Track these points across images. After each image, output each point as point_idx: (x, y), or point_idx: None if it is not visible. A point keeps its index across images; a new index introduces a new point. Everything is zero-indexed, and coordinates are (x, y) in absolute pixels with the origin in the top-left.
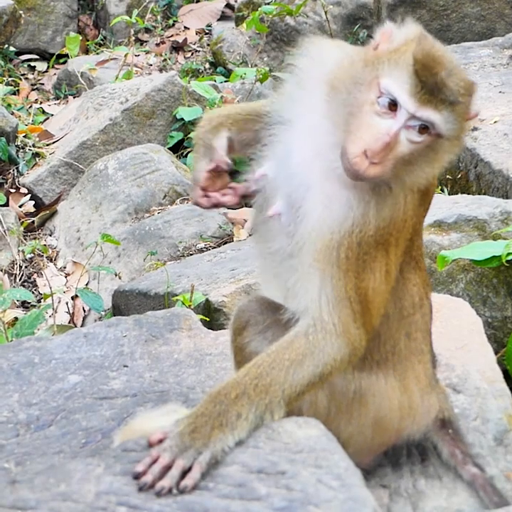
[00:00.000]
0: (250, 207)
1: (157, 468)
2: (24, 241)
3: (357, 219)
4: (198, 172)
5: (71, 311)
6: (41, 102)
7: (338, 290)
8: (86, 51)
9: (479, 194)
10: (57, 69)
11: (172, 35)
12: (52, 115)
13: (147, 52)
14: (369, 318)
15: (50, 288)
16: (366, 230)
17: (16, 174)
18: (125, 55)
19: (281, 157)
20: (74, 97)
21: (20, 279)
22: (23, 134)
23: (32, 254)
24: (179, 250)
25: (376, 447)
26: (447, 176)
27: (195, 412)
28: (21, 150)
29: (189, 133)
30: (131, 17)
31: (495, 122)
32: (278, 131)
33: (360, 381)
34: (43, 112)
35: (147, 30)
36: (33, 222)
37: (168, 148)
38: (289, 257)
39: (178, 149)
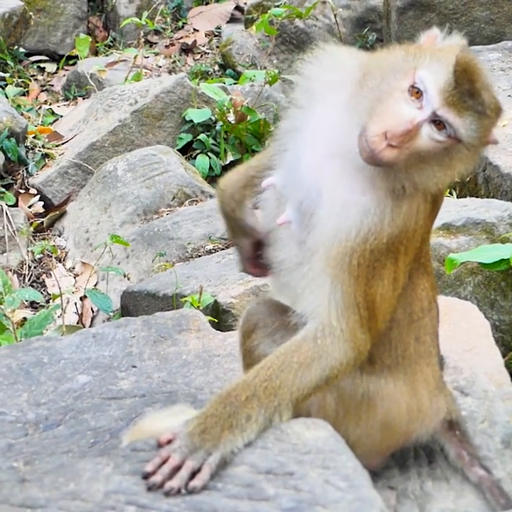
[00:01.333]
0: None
1: (167, 468)
2: (33, 241)
3: (372, 226)
4: (243, 249)
5: (80, 312)
6: (51, 103)
7: (348, 296)
8: (95, 53)
9: (488, 197)
10: (66, 70)
11: (181, 37)
12: (61, 116)
13: (156, 54)
14: (374, 324)
15: (59, 288)
16: (380, 237)
17: (25, 175)
18: (134, 57)
19: (290, 164)
20: (83, 99)
21: (29, 280)
22: (33, 135)
23: (41, 255)
24: (188, 251)
25: (384, 449)
26: (456, 179)
27: (204, 412)
28: (31, 151)
29: (198, 135)
30: (140, 19)
31: (503, 126)
32: (286, 139)
33: (369, 384)
34: (53, 113)
35: (157, 32)
36: (42, 222)
37: (177, 150)
38: (298, 265)
39: (187, 151)
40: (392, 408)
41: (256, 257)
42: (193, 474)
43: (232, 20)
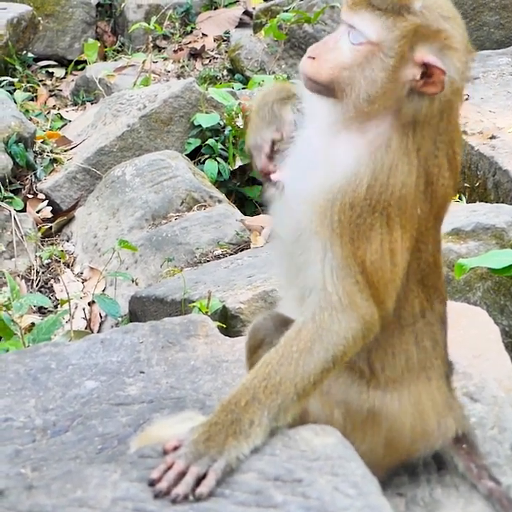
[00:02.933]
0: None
1: (172, 474)
2: (41, 247)
3: (349, 177)
4: (263, 140)
5: (88, 317)
6: (59, 108)
7: (338, 257)
8: (104, 57)
9: (497, 202)
10: (75, 75)
11: (190, 42)
12: (70, 121)
13: (165, 59)
14: (376, 292)
15: (68, 294)
16: (358, 189)
17: (33, 180)
18: (143, 62)
19: (295, 155)
20: (92, 104)
21: (37, 285)
22: (41, 140)
23: (49, 260)
24: (196, 257)
25: (386, 465)
26: (465, 184)
27: (208, 420)
28: (39, 156)
29: (207, 139)
30: (149, 24)
31: (510, 132)
32: (296, 136)
33: (374, 400)
34: (61, 118)
35: (165, 37)
36: (51, 227)
37: (186, 155)
38: (297, 240)
39: (196, 156)
40: (395, 427)
41: (272, 154)
42: (199, 481)
43: (241, 25)
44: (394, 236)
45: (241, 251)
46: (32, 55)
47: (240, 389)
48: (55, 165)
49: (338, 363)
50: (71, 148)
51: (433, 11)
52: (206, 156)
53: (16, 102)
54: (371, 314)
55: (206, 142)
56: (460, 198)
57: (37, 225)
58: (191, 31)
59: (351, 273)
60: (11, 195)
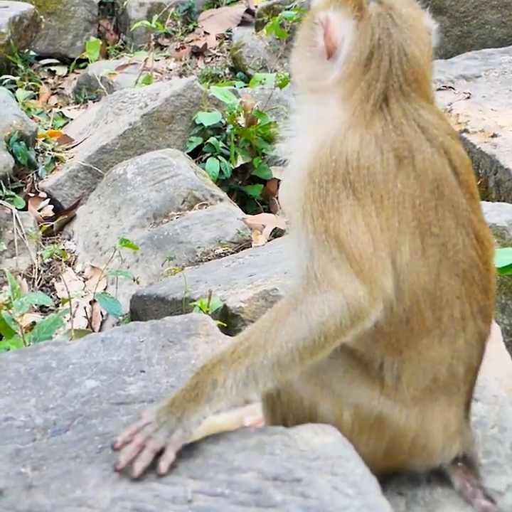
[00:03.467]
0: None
1: (130, 449)
2: (43, 245)
3: (303, 155)
4: None
5: (89, 316)
6: (61, 107)
7: (311, 233)
8: (106, 56)
9: (499, 201)
10: (77, 73)
11: (192, 40)
12: (71, 119)
13: (167, 57)
14: (360, 267)
15: (68, 292)
16: (311, 162)
17: (35, 178)
18: (145, 60)
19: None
20: (94, 102)
21: (38, 284)
22: (43, 139)
23: (50, 259)
24: (197, 255)
25: (384, 468)
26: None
27: (177, 389)
28: (41, 154)
29: (208, 138)
30: (151, 22)
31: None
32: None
33: (383, 408)
34: (63, 116)
35: (167, 35)
36: (52, 226)
37: (188, 154)
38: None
39: (197, 154)
40: (397, 438)
41: None
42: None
43: (243, 23)
44: (367, 209)
45: (242, 250)
46: (34, 54)
47: (210, 356)
48: (56, 163)
49: (320, 338)
50: (73, 147)
51: None
52: (208, 155)
53: (17, 101)
54: (354, 290)
55: (208, 141)
56: None
57: (38, 224)
58: (193, 29)
59: (326, 249)
60: (13, 193)
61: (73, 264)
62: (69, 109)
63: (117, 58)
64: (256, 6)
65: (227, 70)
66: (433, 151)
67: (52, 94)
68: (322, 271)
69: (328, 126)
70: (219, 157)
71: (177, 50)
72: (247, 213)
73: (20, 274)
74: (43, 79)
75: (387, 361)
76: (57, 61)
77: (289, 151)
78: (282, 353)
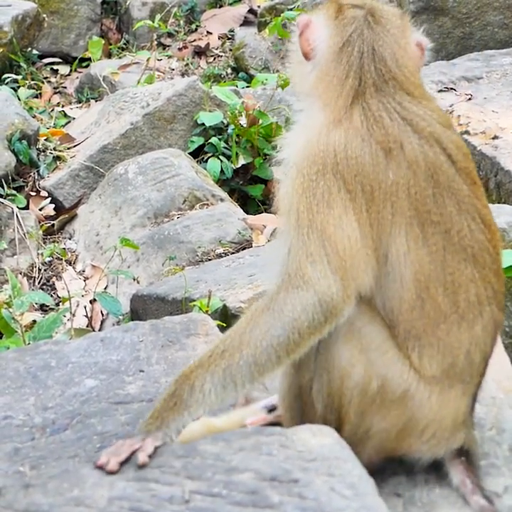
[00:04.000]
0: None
1: (110, 450)
2: (43, 244)
3: (296, 151)
4: None
5: (89, 315)
6: (63, 106)
7: (294, 230)
8: (109, 55)
9: (499, 203)
10: (79, 72)
11: (194, 40)
12: (74, 119)
13: (169, 57)
14: (342, 264)
15: (68, 291)
16: (303, 156)
17: (36, 177)
18: (147, 60)
19: None
20: (96, 101)
21: (39, 282)
22: (45, 137)
23: (51, 258)
24: (198, 255)
25: (390, 451)
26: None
27: (157, 400)
28: (42, 153)
29: (210, 138)
30: (154, 21)
31: None
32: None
33: (411, 384)
34: (65, 115)
35: (170, 35)
36: (53, 225)
37: (189, 153)
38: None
39: (199, 154)
40: (415, 417)
41: None
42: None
43: (246, 23)
44: (357, 203)
45: (243, 250)
46: (36, 52)
47: (189, 365)
48: (58, 162)
49: (295, 335)
50: (74, 146)
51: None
52: (209, 155)
53: (19, 99)
54: (327, 287)
55: (209, 141)
56: None
57: (39, 223)
58: (196, 29)
59: (304, 245)
60: (14, 192)
61: (74, 263)
62: (71, 108)
63: (120, 57)
64: (258, 6)
65: (229, 70)
66: (421, 142)
67: (55, 93)
68: (296, 267)
69: (313, 124)
70: (220, 157)
71: (179, 49)
72: (248, 213)
73: (20, 273)
74: (46, 78)
75: (409, 344)
76: (60, 60)
77: (283, 153)
78: (257, 352)
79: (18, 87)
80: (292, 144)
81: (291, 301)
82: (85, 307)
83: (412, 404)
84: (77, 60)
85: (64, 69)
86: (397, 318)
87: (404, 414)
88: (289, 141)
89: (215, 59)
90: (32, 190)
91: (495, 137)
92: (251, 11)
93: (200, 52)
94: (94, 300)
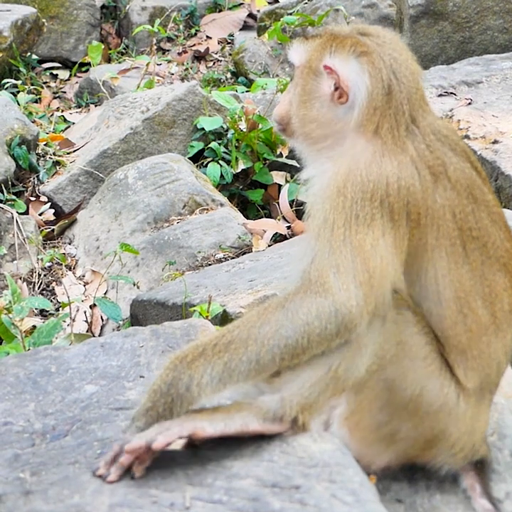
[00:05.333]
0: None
1: (107, 456)
2: (43, 249)
3: (332, 176)
4: None
5: (89, 320)
6: (63, 110)
7: (324, 241)
8: (108, 60)
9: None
10: (79, 77)
11: (194, 45)
12: (73, 123)
13: (169, 62)
14: (369, 280)
15: (68, 297)
16: (346, 180)
17: (36, 182)
18: (147, 64)
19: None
20: (95, 106)
21: (38, 288)
22: (44, 142)
23: (51, 263)
24: (198, 260)
25: (413, 458)
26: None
27: (152, 383)
28: (42, 158)
29: (209, 143)
30: (153, 26)
31: None
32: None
33: (450, 398)
34: (65, 120)
35: (169, 40)
36: (53, 230)
37: (189, 158)
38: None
39: (199, 159)
40: (448, 431)
41: None
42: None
43: (245, 27)
44: (400, 232)
45: (243, 255)
46: (36, 57)
47: (192, 347)
48: (57, 167)
49: (304, 340)
50: (74, 151)
51: (345, 29)
52: (209, 159)
53: (19, 104)
54: (347, 298)
55: (209, 145)
56: None
57: (39, 228)
58: (195, 34)
59: (332, 256)
60: (14, 197)
61: (74, 269)
62: (70, 113)
63: (119, 62)
64: (258, 11)
65: (228, 75)
66: (458, 159)
67: (54, 98)
68: (319, 274)
69: (356, 155)
70: (220, 162)
71: (179, 54)
72: (247, 218)
73: (20, 278)
74: (45, 82)
75: (456, 359)
76: (60, 65)
77: (316, 181)
78: (263, 350)
79: (18, 92)
80: (325, 172)
81: (307, 304)
82: (85, 312)
83: (447, 419)
84: (76, 65)
85: (63, 74)
86: (441, 335)
87: (438, 426)
88: (322, 170)
89: (214, 63)
90: (32, 196)
91: (495, 142)
92: (250, 15)
93: (199, 57)
94: (94, 305)
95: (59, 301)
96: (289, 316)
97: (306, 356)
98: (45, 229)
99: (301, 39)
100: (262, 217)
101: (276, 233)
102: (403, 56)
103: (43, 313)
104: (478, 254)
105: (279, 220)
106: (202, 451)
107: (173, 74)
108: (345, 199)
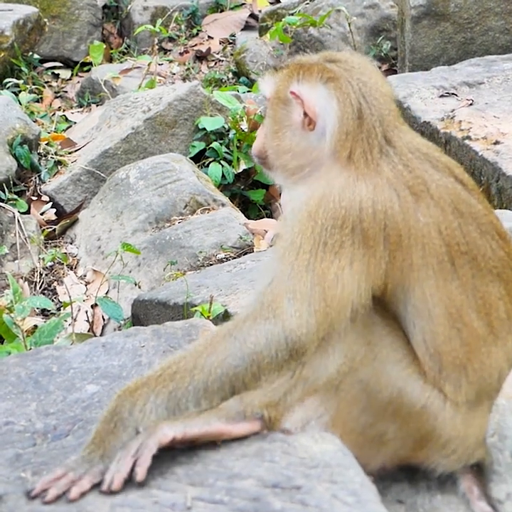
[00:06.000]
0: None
1: (48, 478)
2: (45, 249)
3: (305, 199)
4: None
5: (90, 320)
6: (64, 110)
7: (286, 265)
8: (110, 59)
9: (501, 208)
10: (80, 77)
11: (196, 45)
12: (75, 123)
13: (171, 62)
14: (325, 309)
15: (70, 296)
16: (318, 204)
17: (37, 182)
18: (148, 64)
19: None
20: (97, 105)
21: (40, 287)
22: (46, 142)
23: (52, 262)
24: (199, 260)
25: (405, 459)
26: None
27: (100, 416)
28: (43, 158)
29: (211, 143)
30: (155, 26)
31: None
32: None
33: (432, 403)
34: (66, 119)
35: (171, 39)
36: (54, 230)
37: (190, 158)
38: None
39: (200, 159)
40: (436, 433)
41: None
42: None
43: (247, 27)
44: (377, 257)
45: (244, 255)
46: (38, 57)
47: (136, 380)
48: (59, 167)
49: (256, 370)
50: (75, 151)
51: (313, 57)
52: (210, 160)
53: (20, 104)
54: (297, 326)
55: (210, 145)
56: None
57: (40, 227)
58: (197, 34)
59: (290, 281)
60: (15, 197)
61: (75, 268)
62: (72, 113)
63: (121, 62)
64: (260, 11)
65: (230, 75)
66: (441, 175)
67: (56, 97)
68: (273, 298)
69: (330, 179)
70: (221, 162)
71: (180, 54)
72: (249, 218)
73: (22, 278)
74: (47, 82)
75: (453, 375)
76: (61, 64)
77: (291, 204)
78: (210, 379)
79: (20, 91)
80: (303, 196)
81: (256, 332)
82: (86, 312)
83: (434, 422)
84: (78, 65)
85: (65, 73)
86: (435, 351)
87: (424, 428)
88: (297, 193)
89: (216, 64)
90: (33, 195)
91: (496, 142)
92: (252, 15)
93: (201, 57)
94: (96, 305)
95: (60, 300)
96: (237, 345)
97: (261, 381)
98: (47, 228)
99: (271, 71)
100: (263, 218)
101: (278, 233)
102: (373, 79)
103: (44, 313)
104: (468, 269)
105: (280, 220)
106: (203, 452)
107: (174, 74)
108: (315, 225)
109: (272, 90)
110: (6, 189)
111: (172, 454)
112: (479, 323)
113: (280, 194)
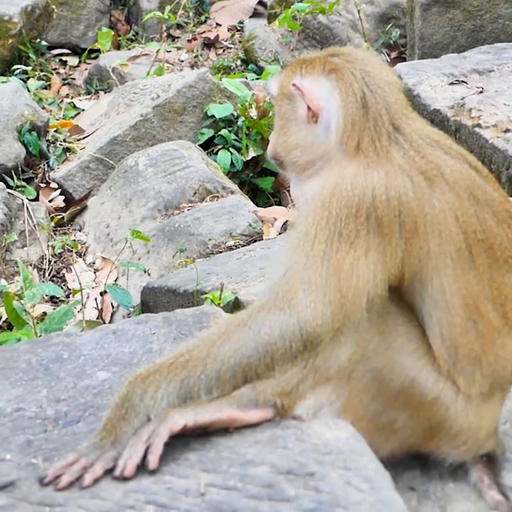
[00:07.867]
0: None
1: (59, 465)
2: (54, 236)
3: (318, 189)
4: None
5: (100, 307)
6: (72, 97)
7: (301, 256)
8: (118, 46)
9: (511, 196)
10: (88, 64)
11: (204, 32)
12: (83, 110)
13: (179, 49)
14: (340, 300)
15: (80, 283)
16: (331, 194)
17: (46, 169)
18: (157, 51)
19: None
20: (105, 93)
21: (49, 274)
22: (54, 129)
23: (61, 250)
24: (208, 248)
25: (415, 447)
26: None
27: (111, 402)
28: (52, 145)
29: (220, 130)
30: (163, 13)
31: None
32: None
33: (445, 395)
34: (74, 106)
35: (179, 27)
36: (63, 217)
37: (199, 145)
38: None
39: (209, 146)
40: (447, 424)
41: None
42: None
43: (255, 15)
44: (392, 245)
45: (253, 242)
46: (46, 44)
47: (148, 365)
48: (68, 154)
49: (269, 361)
50: (84, 138)
51: (316, 53)
52: (219, 147)
53: (29, 91)
54: (312, 317)
55: (219, 133)
56: None
57: (49, 215)
58: (205, 21)
59: (306, 272)
60: (24, 184)
61: (84, 255)
62: (80, 100)
63: (129, 49)
64: None
65: (238, 62)
66: (454, 161)
67: (64, 84)
68: (288, 288)
69: (341, 170)
70: (230, 149)
71: (189, 41)
72: (258, 206)
73: (31, 265)
74: (55, 69)
75: (465, 369)
76: (69, 51)
77: (303, 197)
78: (223, 368)
79: (28, 78)
80: (316, 187)
81: (270, 323)
82: (96, 299)
83: (445, 413)
84: (86, 52)
85: (73, 60)
86: (451, 344)
87: (434, 418)
88: (310, 185)
89: (224, 51)
90: (42, 182)
91: (507, 130)
92: (260, 2)
93: (209, 44)
94: (105, 292)
95: (69, 287)
96: (250, 335)
97: (274, 372)
98: (56, 215)
99: (278, 70)
100: (272, 205)
101: (287, 221)
102: (377, 70)
103: (52, 300)
104: (485, 258)
105: (289, 207)
106: (216, 438)
107: (182, 61)
108: (330, 215)
109: (277, 87)
110: (14, 176)
111: (185, 440)
112: (494, 314)
113: (289, 182)
